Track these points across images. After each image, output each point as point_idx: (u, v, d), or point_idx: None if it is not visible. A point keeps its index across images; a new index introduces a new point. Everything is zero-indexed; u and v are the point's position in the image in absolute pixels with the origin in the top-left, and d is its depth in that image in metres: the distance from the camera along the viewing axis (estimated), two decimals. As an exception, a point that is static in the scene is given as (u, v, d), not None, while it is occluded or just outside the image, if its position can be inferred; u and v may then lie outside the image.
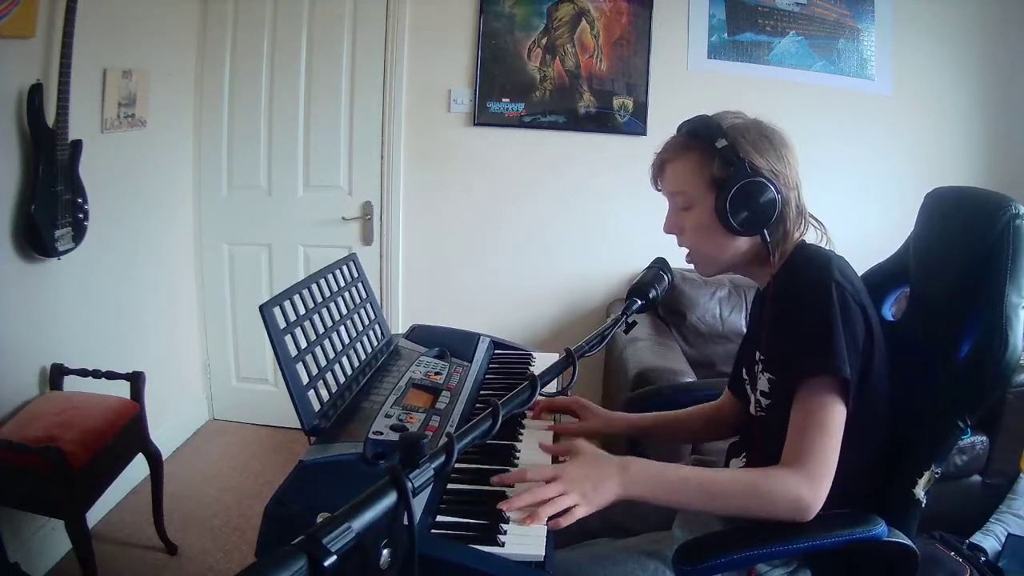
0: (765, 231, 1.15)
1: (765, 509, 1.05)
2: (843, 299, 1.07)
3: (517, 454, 1.27)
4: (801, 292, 1.11)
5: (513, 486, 1.10)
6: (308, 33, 2.98)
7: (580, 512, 1.03)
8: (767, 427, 1.15)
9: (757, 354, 1.23)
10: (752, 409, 1.24)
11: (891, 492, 1.16)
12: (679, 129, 1.21)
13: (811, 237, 1.22)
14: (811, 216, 1.21)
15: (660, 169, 1.23)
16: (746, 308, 2.81)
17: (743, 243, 1.18)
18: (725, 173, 1.13)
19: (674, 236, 1.25)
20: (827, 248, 1.18)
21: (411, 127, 3.04)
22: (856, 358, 1.06)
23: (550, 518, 1.01)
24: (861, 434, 1.10)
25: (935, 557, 2.03)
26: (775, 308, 1.17)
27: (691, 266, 1.28)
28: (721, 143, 1.13)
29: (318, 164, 3.05)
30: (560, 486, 1.04)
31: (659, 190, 1.26)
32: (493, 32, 2.97)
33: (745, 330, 2.74)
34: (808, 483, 1.02)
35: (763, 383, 1.19)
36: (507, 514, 1.03)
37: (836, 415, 1.05)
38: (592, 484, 1.05)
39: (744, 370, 1.32)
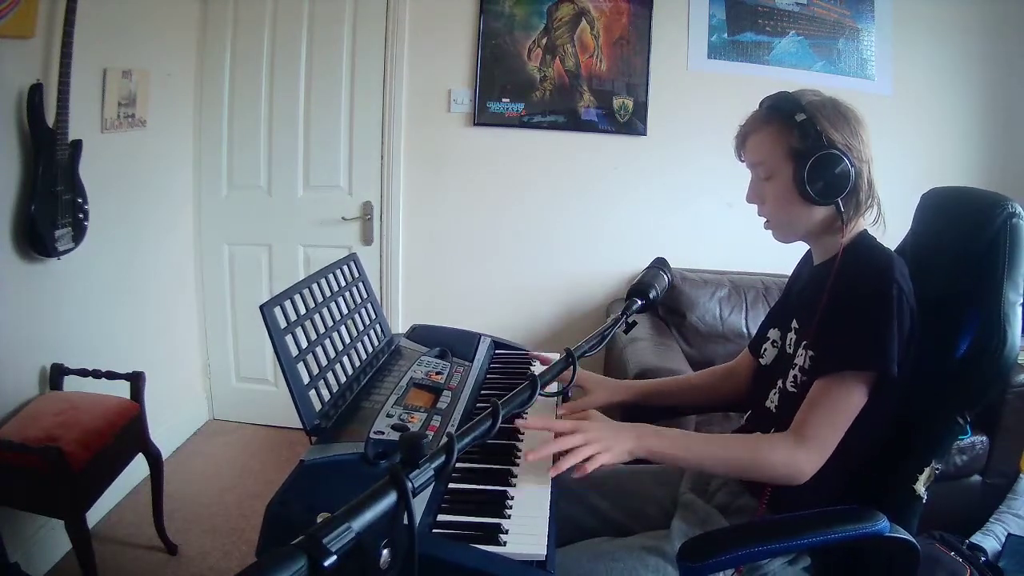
0: (839, 201, 1.19)
1: (761, 467, 1.14)
2: (900, 301, 1.12)
3: (518, 453, 1.27)
4: (863, 285, 1.16)
5: (524, 433, 1.26)
6: (308, 33, 2.98)
7: (603, 459, 1.11)
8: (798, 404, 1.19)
9: (794, 322, 1.29)
10: (787, 386, 1.26)
11: (893, 488, 1.18)
12: (761, 104, 1.27)
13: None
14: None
15: (743, 140, 1.30)
16: (746, 308, 2.81)
17: (818, 212, 1.24)
18: (803, 145, 1.19)
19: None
20: (886, 247, 1.24)
21: (411, 127, 3.03)
22: (902, 358, 1.11)
23: (573, 468, 1.09)
24: (872, 427, 1.14)
25: (935, 557, 2.03)
26: (834, 293, 1.21)
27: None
28: (800, 116, 1.19)
29: (318, 164, 3.05)
30: (581, 437, 1.12)
31: (742, 161, 1.32)
32: (493, 32, 2.97)
33: (745, 328, 2.79)
34: (805, 452, 1.12)
35: (803, 359, 1.23)
36: (529, 458, 1.11)
37: (855, 403, 1.12)
38: (611, 434, 1.15)
39: (777, 332, 1.37)
